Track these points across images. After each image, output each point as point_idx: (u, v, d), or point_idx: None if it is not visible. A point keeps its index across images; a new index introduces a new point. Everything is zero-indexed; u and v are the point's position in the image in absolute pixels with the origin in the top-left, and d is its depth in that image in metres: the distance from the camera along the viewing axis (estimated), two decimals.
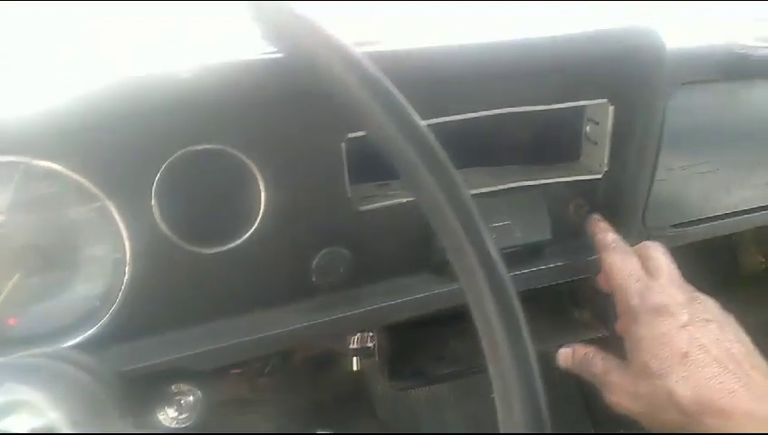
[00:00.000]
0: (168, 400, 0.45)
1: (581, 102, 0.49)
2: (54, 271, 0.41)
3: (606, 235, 0.49)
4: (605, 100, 0.49)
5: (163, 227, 0.40)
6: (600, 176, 0.52)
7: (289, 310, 0.46)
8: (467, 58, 0.44)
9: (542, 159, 0.55)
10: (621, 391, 0.44)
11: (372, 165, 0.41)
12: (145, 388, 0.43)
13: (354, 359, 0.57)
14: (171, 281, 0.42)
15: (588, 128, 0.53)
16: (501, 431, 0.29)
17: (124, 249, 0.40)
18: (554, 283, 0.56)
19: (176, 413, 0.45)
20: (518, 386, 0.29)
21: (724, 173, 0.59)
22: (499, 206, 0.51)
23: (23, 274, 0.40)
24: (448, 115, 0.46)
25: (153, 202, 0.40)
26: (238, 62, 0.40)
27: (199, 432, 0.46)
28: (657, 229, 0.57)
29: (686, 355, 0.40)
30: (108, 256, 0.41)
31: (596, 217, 0.52)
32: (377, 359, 0.56)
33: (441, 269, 0.49)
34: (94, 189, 0.39)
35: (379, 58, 0.41)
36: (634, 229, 0.55)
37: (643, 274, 0.46)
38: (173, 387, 0.45)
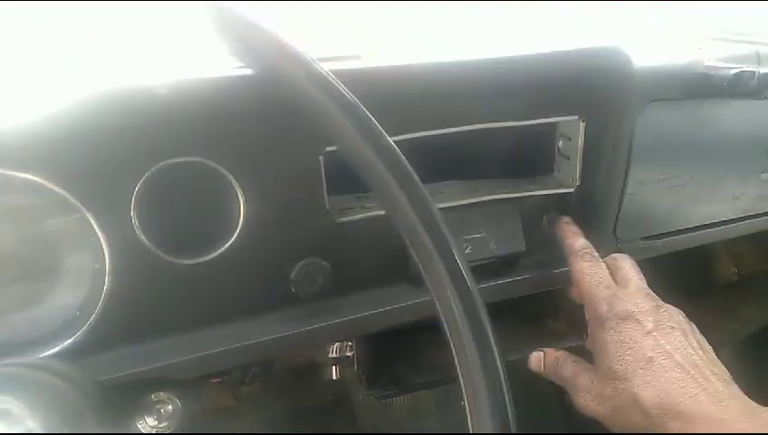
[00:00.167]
0: (148, 409, 0.45)
1: (553, 119, 0.51)
2: (34, 281, 0.41)
3: (575, 240, 0.51)
4: (576, 116, 0.51)
5: (143, 237, 0.41)
6: (572, 190, 0.54)
7: (268, 320, 0.47)
8: (443, 75, 0.46)
9: (516, 173, 0.57)
10: (588, 394, 0.45)
11: (350, 177, 0.42)
12: (124, 397, 0.43)
13: (333, 368, 0.58)
14: (151, 291, 0.42)
15: (560, 143, 0.55)
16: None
17: (104, 260, 0.41)
18: (529, 293, 0.58)
19: (155, 422, 0.45)
20: (486, 392, 0.30)
21: (692, 187, 0.61)
22: (475, 218, 0.52)
23: (1, 283, 0.41)
24: (425, 130, 0.47)
25: (133, 213, 0.40)
26: (216, 78, 0.41)
27: None
28: (627, 241, 0.59)
29: (650, 360, 0.42)
30: (87, 267, 0.41)
31: (565, 220, 0.54)
32: (355, 368, 0.56)
33: (418, 280, 0.50)
34: (74, 201, 0.39)
35: (356, 75, 0.43)
36: (605, 241, 0.57)
37: (611, 282, 0.48)
38: (152, 396, 0.45)
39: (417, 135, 0.47)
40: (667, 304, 0.47)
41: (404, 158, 0.31)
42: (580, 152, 0.52)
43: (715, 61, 0.52)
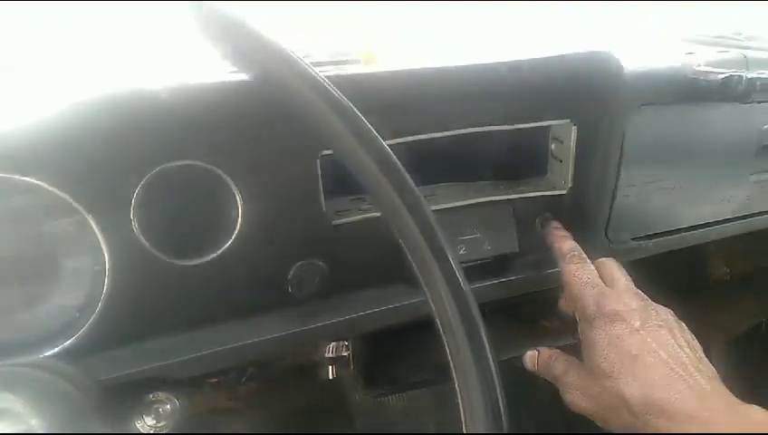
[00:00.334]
0: (147, 408, 0.46)
1: (546, 122, 0.52)
2: (34, 282, 0.42)
3: (563, 244, 0.52)
4: (568, 120, 0.52)
5: (142, 239, 0.42)
6: (564, 192, 0.55)
7: (266, 320, 0.47)
8: (437, 80, 0.47)
9: (510, 175, 0.58)
10: (576, 391, 0.46)
11: (346, 180, 0.43)
12: (123, 397, 0.44)
13: (330, 368, 0.59)
14: (150, 292, 0.43)
15: (553, 146, 0.56)
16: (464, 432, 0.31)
17: (103, 261, 0.41)
18: (523, 293, 0.59)
19: (154, 422, 0.46)
20: (479, 389, 0.31)
21: (683, 189, 0.62)
22: (469, 219, 0.53)
23: (2, 284, 0.41)
24: (420, 134, 0.48)
25: (132, 216, 0.41)
26: (215, 83, 0.41)
27: None
28: (619, 242, 0.60)
29: (635, 358, 0.43)
30: (87, 268, 0.42)
31: (555, 224, 0.54)
32: (352, 367, 0.57)
33: (413, 281, 0.51)
34: (74, 204, 0.40)
35: (352, 80, 0.44)
36: (597, 242, 0.58)
37: (600, 282, 0.49)
38: (151, 396, 0.46)
39: (412, 138, 0.47)
40: (655, 304, 0.48)
41: (397, 160, 0.31)
42: (572, 155, 0.53)
43: (704, 65, 0.53)
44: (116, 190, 0.41)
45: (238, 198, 0.44)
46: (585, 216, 0.56)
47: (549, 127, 0.54)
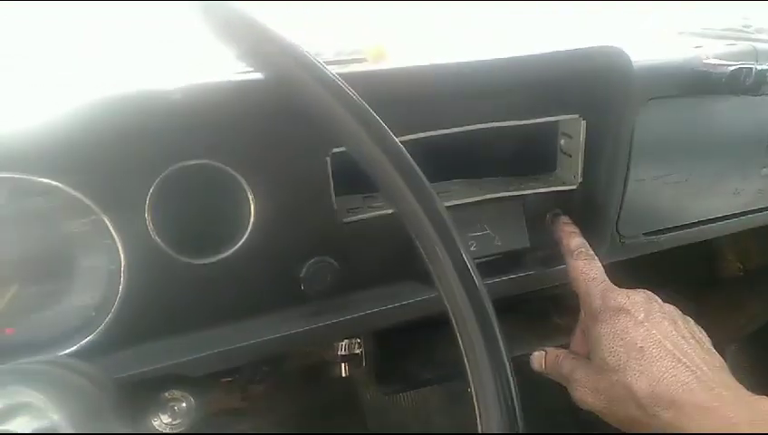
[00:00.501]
0: (162, 406, 0.46)
1: (555, 117, 0.52)
2: (51, 282, 0.43)
3: (571, 241, 0.52)
4: (577, 115, 0.52)
5: (157, 239, 0.42)
6: (574, 187, 0.55)
7: (279, 317, 0.48)
8: (446, 77, 0.47)
9: (520, 171, 0.58)
10: (584, 388, 0.46)
11: (357, 178, 0.43)
12: (140, 395, 0.44)
13: (342, 365, 0.59)
14: (165, 291, 0.44)
15: (562, 141, 0.56)
16: (479, 431, 0.31)
17: (119, 261, 0.42)
18: (534, 289, 0.59)
19: (169, 419, 0.46)
20: (492, 381, 0.31)
21: (693, 183, 0.61)
22: (479, 216, 0.53)
23: (20, 284, 0.42)
24: (430, 130, 0.48)
25: (147, 215, 0.42)
26: (227, 82, 0.42)
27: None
28: (630, 237, 0.60)
29: (641, 350, 0.43)
30: (103, 268, 0.43)
31: (564, 219, 0.55)
32: (364, 364, 0.57)
33: (426, 277, 0.51)
34: (90, 204, 0.41)
35: (362, 78, 0.44)
36: (608, 237, 0.58)
37: (605, 278, 0.49)
38: (167, 394, 0.46)
39: (422, 135, 0.48)
40: (660, 299, 0.48)
41: (410, 157, 0.32)
42: (581, 150, 0.53)
43: (713, 58, 0.53)
44: (130, 190, 0.41)
45: (250, 196, 0.44)
46: (595, 211, 0.56)
47: (558, 122, 0.54)
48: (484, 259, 0.54)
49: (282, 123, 0.43)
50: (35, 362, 0.35)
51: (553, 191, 0.55)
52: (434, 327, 0.59)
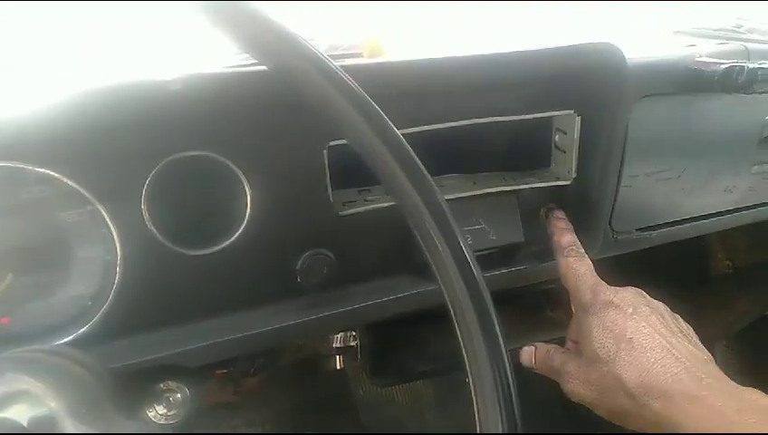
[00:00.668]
0: (158, 397, 0.46)
1: (550, 113, 0.53)
2: (47, 272, 0.43)
3: (562, 237, 0.53)
4: (572, 111, 0.52)
5: (153, 229, 0.42)
6: (568, 182, 0.56)
7: (275, 309, 0.48)
8: (442, 71, 0.47)
9: (515, 166, 0.58)
10: (575, 380, 0.47)
11: (353, 171, 0.44)
12: (135, 385, 0.44)
13: (337, 358, 0.59)
14: (161, 281, 0.44)
15: (557, 137, 0.56)
16: (477, 428, 0.31)
17: (115, 251, 0.42)
18: (528, 283, 0.59)
19: (164, 410, 0.46)
20: (491, 379, 0.31)
21: (685, 180, 0.62)
22: (475, 210, 0.54)
23: (16, 274, 0.42)
24: (427, 124, 0.48)
25: (143, 206, 0.42)
26: (224, 74, 0.42)
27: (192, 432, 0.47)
28: (623, 233, 0.61)
29: (630, 341, 0.43)
30: (99, 258, 0.43)
31: (558, 214, 0.55)
32: (359, 357, 0.58)
33: (421, 270, 0.52)
34: (87, 194, 0.41)
35: (359, 71, 0.44)
36: (601, 233, 0.59)
37: (595, 274, 0.50)
38: (162, 385, 0.46)
39: (417, 129, 0.48)
40: (648, 296, 0.48)
41: (410, 149, 0.32)
42: (575, 146, 0.54)
43: (705, 56, 0.54)
44: (127, 181, 0.41)
45: (247, 188, 0.44)
46: (589, 206, 0.57)
47: (552, 118, 0.54)
48: (479, 253, 0.54)
49: (279, 115, 0.43)
50: (33, 351, 0.34)
51: (548, 186, 0.56)
52: (429, 320, 0.60)
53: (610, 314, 0.45)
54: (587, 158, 0.55)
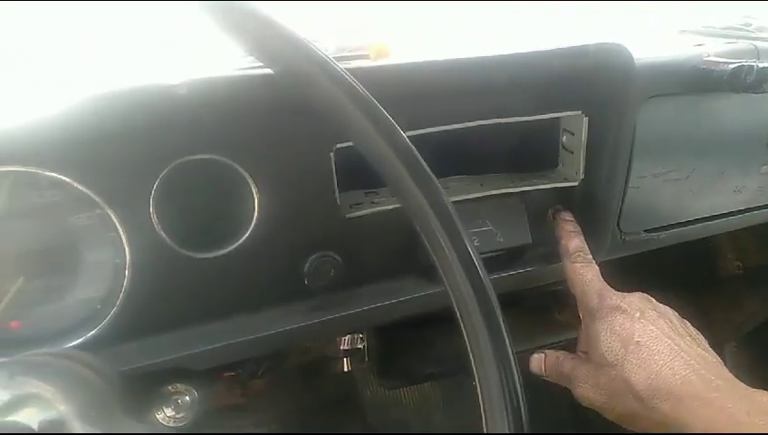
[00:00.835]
0: (166, 399, 0.46)
1: (557, 114, 0.52)
2: (57, 275, 0.43)
3: (570, 242, 0.52)
4: (579, 112, 0.52)
5: (161, 233, 0.42)
6: (576, 183, 0.55)
7: (282, 312, 0.48)
8: (449, 73, 0.47)
9: (522, 167, 0.58)
10: (585, 384, 0.47)
11: (360, 174, 0.43)
12: (144, 388, 0.45)
13: (345, 360, 0.59)
14: (169, 285, 0.44)
15: (564, 138, 0.56)
16: (484, 429, 0.31)
17: (124, 255, 0.42)
18: (536, 285, 0.59)
19: (173, 413, 0.46)
20: (498, 380, 0.31)
21: (694, 180, 0.62)
22: (482, 212, 0.54)
23: (26, 278, 0.42)
24: (433, 126, 0.48)
25: (152, 210, 0.42)
26: (232, 77, 0.42)
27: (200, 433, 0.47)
28: (631, 234, 0.60)
29: (638, 344, 0.43)
30: (108, 261, 0.43)
31: (566, 216, 0.55)
32: (366, 359, 0.58)
33: (428, 273, 0.52)
34: (96, 198, 0.41)
35: (366, 73, 0.44)
36: (609, 234, 0.58)
37: (602, 280, 0.50)
38: (170, 387, 0.46)
39: (424, 131, 0.48)
40: (654, 301, 0.48)
41: (416, 152, 0.32)
42: (583, 147, 0.54)
43: (714, 56, 0.53)
44: (135, 184, 0.42)
45: (254, 191, 0.44)
46: (597, 207, 0.57)
47: (560, 119, 0.54)
48: (486, 255, 0.54)
49: (286, 119, 0.43)
50: (42, 354, 0.35)
51: (555, 188, 0.55)
52: (436, 322, 0.60)
53: (618, 317, 0.45)
54: (594, 159, 0.54)
